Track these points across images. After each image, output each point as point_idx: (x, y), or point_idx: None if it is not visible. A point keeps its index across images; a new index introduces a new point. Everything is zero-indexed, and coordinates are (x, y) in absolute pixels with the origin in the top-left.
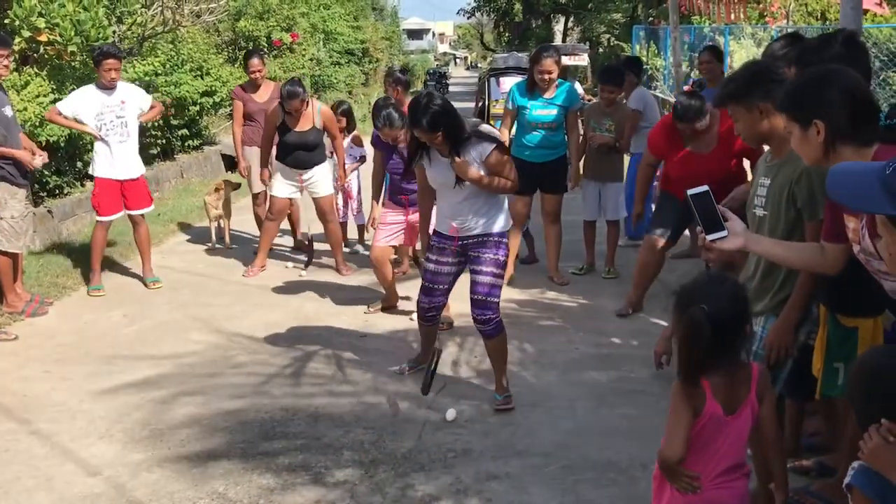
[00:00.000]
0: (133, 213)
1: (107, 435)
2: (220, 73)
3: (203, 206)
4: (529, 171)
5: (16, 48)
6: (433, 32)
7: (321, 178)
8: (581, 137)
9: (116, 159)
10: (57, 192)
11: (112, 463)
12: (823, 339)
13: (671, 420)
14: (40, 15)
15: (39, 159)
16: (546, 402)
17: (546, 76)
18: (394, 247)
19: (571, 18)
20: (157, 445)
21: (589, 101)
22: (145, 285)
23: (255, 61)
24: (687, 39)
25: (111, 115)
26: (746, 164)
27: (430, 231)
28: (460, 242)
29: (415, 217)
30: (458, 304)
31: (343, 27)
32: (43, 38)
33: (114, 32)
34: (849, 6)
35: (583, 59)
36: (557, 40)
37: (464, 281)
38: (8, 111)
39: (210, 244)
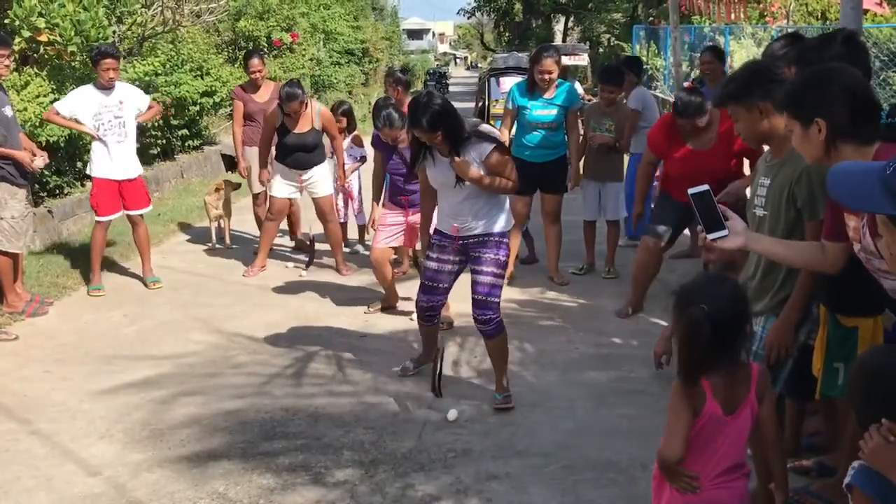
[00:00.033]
0: (131, 213)
1: (107, 435)
2: (220, 73)
3: (203, 206)
4: (529, 171)
5: (16, 48)
6: (433, 32)
7: (321, 178)
8: (581, 137)
9: (114, 159)
10: (57, 192)
11: (112, 463)
12: (823, 338)
13: (670, 420)
14: (40, 15)
15: (40, 160)
16: (546, 402)
17: (546, 76)
18: (394, 247)
19: (571, 18)
20: (158, 445)
21: (589, 101)
22: (145, 285)
23: (255, 61)
24: (687, 39)
25: (109, 115)
26: (746, 164)
27: (431, 230)
28: (461, 242)
29: (414, 218)
30: (458, 304)
31: (343, 27)
32: (43, 38)
33: (114, 32)
34: (849, 6)
35: (583, 59)
36: (557, 40)
37: (464, 281)
38: (8, 111)
39: (210, 244)
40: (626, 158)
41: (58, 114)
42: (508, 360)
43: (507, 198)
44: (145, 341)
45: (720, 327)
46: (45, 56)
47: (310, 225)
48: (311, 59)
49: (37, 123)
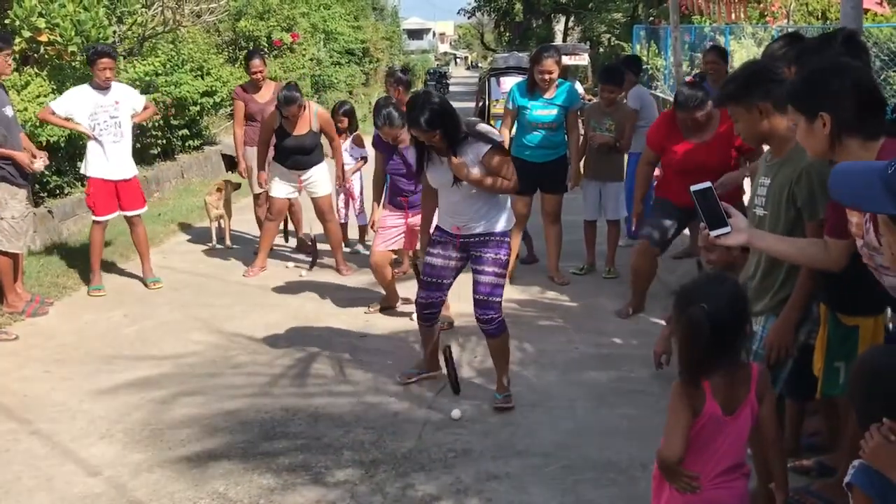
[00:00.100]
0: (127, 214)
1: (107, 435)
2: (221, 73)
3: (204, 206)
4: (530, 171)
5: (16, 48)
6: (433, 32)
7: (319, 178)
8: (581, 137)
9: (110, 159)
10: (57, 192)
11: (112, 463)
12: (824, 338)
13: (670, 420)
14: (41, 15)
15: (40, 162)
16: (546, 402)
17: (546, 76)
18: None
19: (572, 18)
20: (158, 445)
21: (589, 100)
22: (146, 285)
23: (256, 62)
24: (687, 39)
25: (105, 115)
26: None
27: (432, 229)
28: (462, 240)
29: (414, 220)
30: (458, 304)
31: (343, 27)
32: (43, 38)
33: (114, 32)
34: (849, 5)
35: (583, 59)
36: (558, 40)
37: (464, 281)
38: (9, 111)
39: (210, 244)
40: (626, 158)
41: (53, 113)
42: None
43: (508, 197)
44: (145, 341)
45: (720, 327)
46: (46, 56)
47: (310, 225)
48: (311, 59)
49: (37, 123)
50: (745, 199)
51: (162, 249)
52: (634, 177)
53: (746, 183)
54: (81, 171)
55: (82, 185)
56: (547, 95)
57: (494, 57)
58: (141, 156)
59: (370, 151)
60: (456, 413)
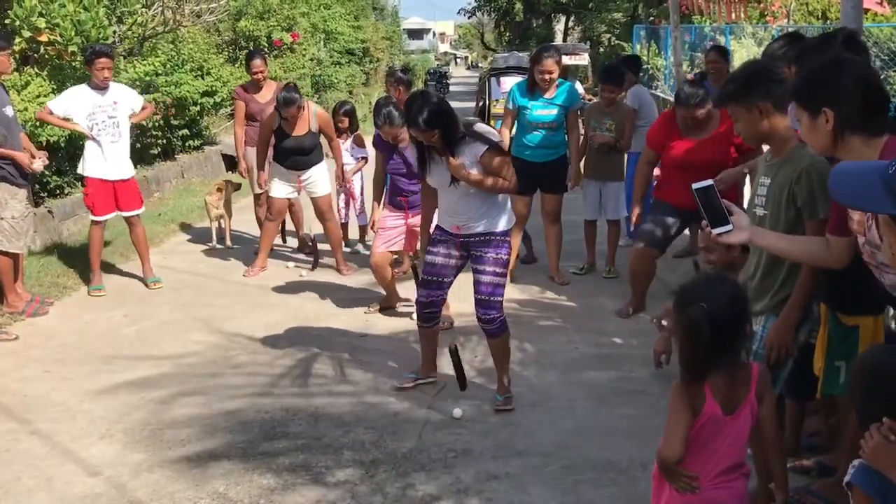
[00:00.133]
0: (125, 214)
1: (107, 435)
2: (221, 73)
3: (204, 206)
4: (530, 170)
5: (16, 48)
6: (434, 32)
7: (319, 178)
8: (581, 137)
9: (108, 159)
10: (57, 192)
11: (112, 463)
12: (824, 337)
13: (670, 420)
14: (41, 15)
15: (39, 162)
16: (546, 402)
17: (547, 76)
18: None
19: (572, 18)
20: (158, 445)
21: (590, 100)
22: (146, 285)
23: (257, 62)
24: (688, 39)
25: (103, 115)
26: None
27: (432, 229)
28: (462, 239)
29: (414, 220)
30: (458, 304)
31: (343, 27)
32: (43, 38)
33: (114, 32)
34: (849, 5)
35: (583, 59)
36: (558, 40)
37: (464, 281)
38: (9, 111)
39: (211, 244)
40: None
41: (51, 113)
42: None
43: (508, 197)
44: (146, 341)
45: (720, 326)
46: (46, 56)
47: (310, 225)
48: (311, 59)
49: (37, 124)
50: (744, 201)
51: (162, 249)
52: (633, 176)
53: (747, 187)
54: (79, 171)
55: (82, 185)
56: (547, 95)
57: (494, 57)
58: (141, 156)
59: (371, 151)
60: (457, 412)
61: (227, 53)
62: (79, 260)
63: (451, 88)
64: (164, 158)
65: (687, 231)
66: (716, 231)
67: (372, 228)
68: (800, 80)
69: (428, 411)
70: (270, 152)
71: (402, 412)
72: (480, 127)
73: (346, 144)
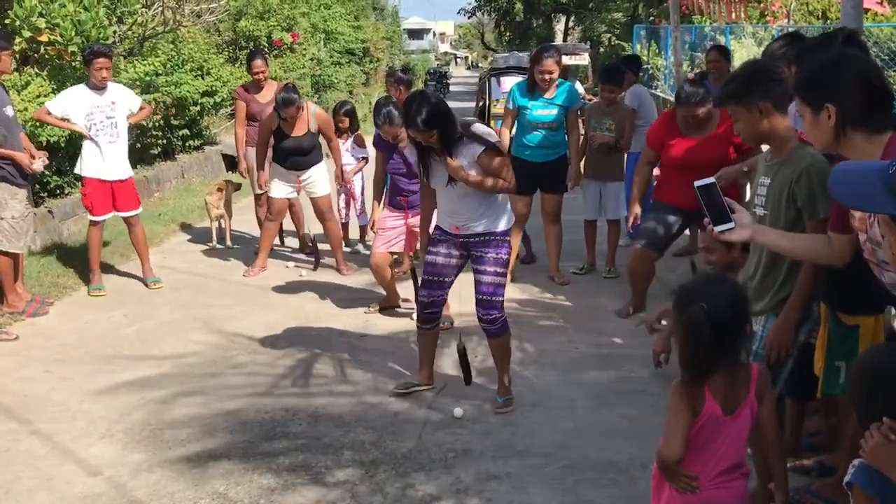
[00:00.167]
0: (122, 214)
1: (107, 435)
2: (221, 73)
3: (204, 206)
4: (530, 170)
5: (16, 48)
6: (434, 32)
7: (318, 178)
8: (581, 137)
9: (106, 160)
10: (57, 192)
11: (112, 463)
12: (824, 337)
13: (670, 420)
14: (41, 15)
15: (39, 162)
16: (546, 402)
17: (547, 76)
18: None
19: (572, 18)
20: (158, 445)
21: (590, 100)
22: (146, 285)
23: (258, 62)
24: (688, 39)
25: (101, 115)
26: None
27: (431, 228)
28: (462, 239)
29: (414, 221)
30: (458, 304)
31: (344, 27)
32: (43, 38)
33: (114, 32)
34: (849, 5)
35: (584, 59)
36: (558, 40)
37: (464, 280)
38: (9, 111)
39: (211, 244)
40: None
41: (49, 113)
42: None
43: (507, 197)
44: (145, 341)
45: (720, 326)
46: (46, 56)
47: (309, 225)
48: (311, 59)
49: (37, 124)
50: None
51: (162, 249)
52: (633, 176)
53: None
54: (76, 171)
55: (83, 185)
56: (547, 95)
57: (495, 57)
58: (141, 156)
59: (371, 151)
60: (458, 411)
61: (227, 53)
62: (79, 260)
63: (451, 88)
64: (165, 158)
65: (687, 231)
66: (718, 228)
67: (372, 229)
68: (803, 75)
69: (428, 411)
70: (270, 153)
71: (402, 412)
72: (478, 127)
73: (346, 144)
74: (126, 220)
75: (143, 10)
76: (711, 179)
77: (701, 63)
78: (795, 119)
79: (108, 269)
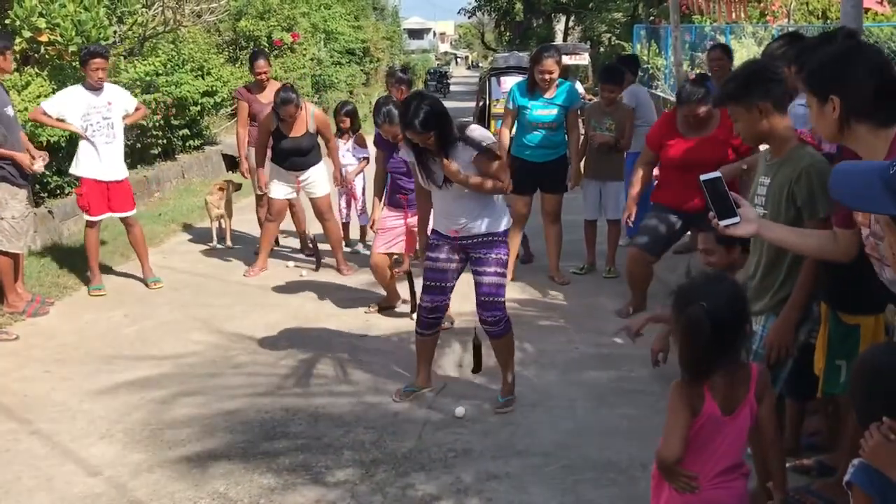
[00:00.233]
0: (117, 215)
1: (107, 435)
2: (221, 73)
3: (204, 205)
4: (530, 170)
5: (17, 48)
6: (434, 32)
7: (317, 178)
8: (582, 137)
9: (103, 160)
10: (58, 192)
11: (112, 463)
12: (825, 336)
13: (669, 420)
14: (41, 15)
15: (40, 162)
16: (546, 402)
17: (547, 76)
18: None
19: (572, 18)
20: (158, 445)
21: (590, 100)
22: (146, 285)
23: (260, 62)
24: (688, 39)
25: (97, 115)
26: None
27: (428, 231)
28: (460, 242)
29: (413, 220)
30: (458, 304)
31: (344, 27)
32: (44, 38)
33: (114, 32)
34: (849, 5)
35: (584, 59)
36: (558, 39)
37: (463, 280)
38: (9, 111)
39: (211, 244)
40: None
41: (45, 113)
42: None
43: (504, 197)
44: (146, 341)
45: (720, 325)
46: (46, 56)
47: (309, 225)
48: (311, 59)
49: (38, 124)
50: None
51: (162, 249)
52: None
53: None
54: (71, 171)
55: (77, 186)
56: (547, 95)
57: (495, 56)
58: (141, 156)
59: (372, 151)
60: (460, 410)
61: (227, 53)
62: (79, 260)
63: (452, 88)
64: (165, 158)
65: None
66: (723, 223)
67: (371, 228)
68: (812, 66)
69: (428, 411)
70: (269, 153)
71: (402, 412)
72: (474, 129)
73: (347, 145)
74: (124, 220)
75: (144, 10)
76: (717, 173)
77: (701, 63)
78: (795, 119)
79: (107, 269)
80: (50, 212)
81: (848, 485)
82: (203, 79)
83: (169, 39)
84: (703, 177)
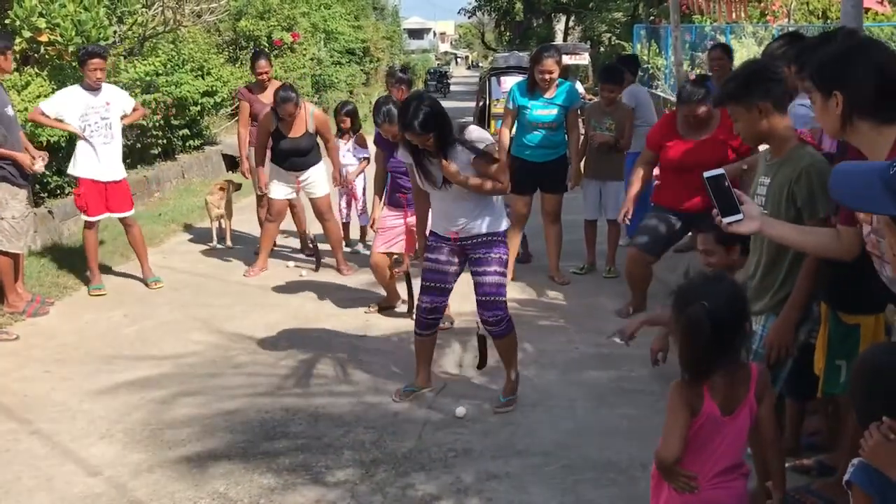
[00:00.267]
0: (115, 216)
1: (107, 435)
2: (221, 72)
3: (204, 205)
4: (530, 170)
5: (16, 48)
6: (434, 32)
7: (317, 178)
8: (582, 137)
9: (101, 160)
10: (57, 192)
11: (112, 463)
12: (825, 336)
13: (668, 420)
14: (41, 15)
15: (40, 162)
16: (546, 402)
17: (547, 76)
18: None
19: (572, 17)
20: (158, 445)
21: (590, 100)
22: (146, 285)
23: (262, 62)
24: (688, 38)
25: (96, 116)
26: None
27: (427, 232)
28: (460, 243)
29: (413, 220)
30: (458, 304)
31: (344, 27)
32: (44, 38)
33: (114, 32)
34: (850, 4)
35: (584, 59)
36: (558, 39)
37: (463, 280)
38: (9, 111)
39: (211, 244)
40: None
41: (43, 114)
42: None
43: (504, 197)
44: (146, 341)
45: (720, 325)
46: (46, 56)
47: (309, 225)
48: (311, 59)
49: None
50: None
51: (162, 249)
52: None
53: None
54: (69, 171)
55: (75, 186)
56: (547, 95)
57: (495, 56)
58: (141, 156)
59: (373, 151)
60: (460, 410)
61: (227, 53)
62: (79, 260)
63: (452, 88)
64: (165, 158)
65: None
66: (726, 220)
67: (371, 227)
68: (818, 60)
69: (428, 411)
70: (269, 154)
71: (402, 412)
72: (473, 129)
73: (348, 145)
74: (122, 221)
75: (144, 10)
76: (721, 170)
77: (701, 63)
78: (795, 119)
79: (107, 269)
80: (50, 212)
81: (848, 484)
82: (203, 79)
83: (169, 39)
84: (706, 174)
